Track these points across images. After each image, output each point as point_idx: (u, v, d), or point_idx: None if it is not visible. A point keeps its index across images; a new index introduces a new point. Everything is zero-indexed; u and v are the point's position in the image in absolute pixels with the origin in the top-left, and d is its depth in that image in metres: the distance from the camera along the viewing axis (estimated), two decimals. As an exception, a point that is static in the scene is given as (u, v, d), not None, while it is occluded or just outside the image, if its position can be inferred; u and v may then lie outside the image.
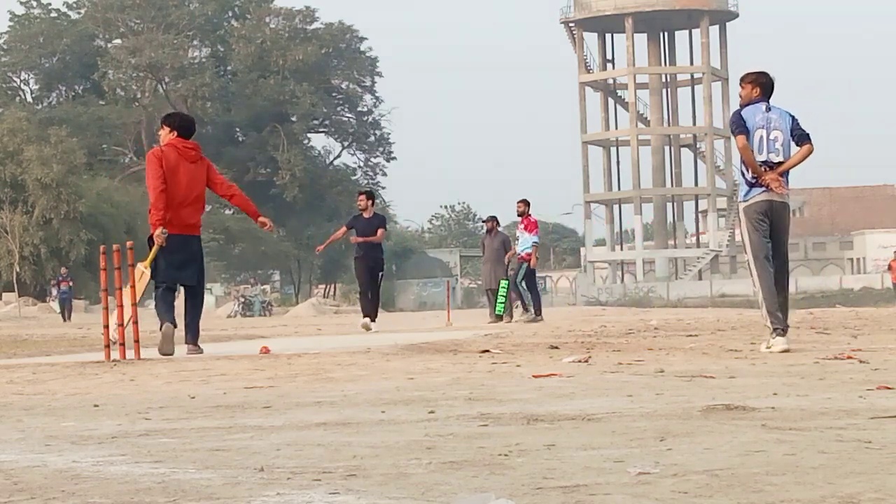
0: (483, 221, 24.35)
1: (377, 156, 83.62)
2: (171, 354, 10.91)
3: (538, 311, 22.49)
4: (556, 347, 10.77)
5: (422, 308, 68.33)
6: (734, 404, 5.31)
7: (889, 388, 6.01)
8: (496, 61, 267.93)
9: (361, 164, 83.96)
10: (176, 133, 11.30)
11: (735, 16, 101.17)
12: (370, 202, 18.88)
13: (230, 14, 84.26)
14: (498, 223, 23.79)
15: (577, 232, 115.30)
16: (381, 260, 18.86)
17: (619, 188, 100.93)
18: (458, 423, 5.02)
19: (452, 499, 3.24)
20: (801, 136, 9.78)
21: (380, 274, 18.85)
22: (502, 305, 22.55)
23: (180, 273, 11.45)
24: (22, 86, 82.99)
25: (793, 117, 9.86)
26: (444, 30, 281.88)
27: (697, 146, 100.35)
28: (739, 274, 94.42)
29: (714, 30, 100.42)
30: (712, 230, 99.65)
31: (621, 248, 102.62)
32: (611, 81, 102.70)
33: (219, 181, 11.59)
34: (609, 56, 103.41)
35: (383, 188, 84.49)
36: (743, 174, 9.83)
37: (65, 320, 39.62)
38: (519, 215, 22.66)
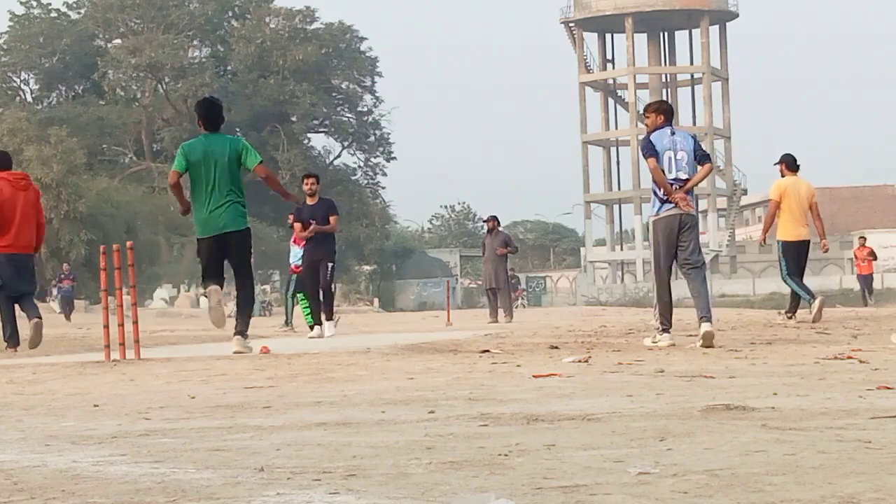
0: (484, 221, 24.37)
1: (377, 156, 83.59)
2: None
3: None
4: (556, 347, 10.77)
5: (422, 308, 68.33)
6: (734, 404, 5.31)
7: (889, 388, 6.01)
8: (496, 61, 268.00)
9: (361, 164, 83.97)
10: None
11: (735, 16, 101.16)
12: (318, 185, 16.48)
13: (230, 14, 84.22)
14: (498, 222, 23.84)
15: (577, 232, 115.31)
16: (331, 251, 16.07)
17: (619, 188, 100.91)
18: (458, 423, 5.02)
19: (452, 499, 3.24)
20: (702, 157, 11.11)
21: (329, 266, 15.94)
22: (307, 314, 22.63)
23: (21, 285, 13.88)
24: (22, 86, 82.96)
25: (694, 138, 11.26)
26: (444, 30, 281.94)
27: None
28: (739, 274, 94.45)
29: (714, 30, 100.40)
30: (712, 230, 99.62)
31: (621, 248, 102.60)
32: (611, 81, 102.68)
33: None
34: (609, 56, 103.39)
35: (383, 188, 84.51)
36: (654, 192, 10.97)
37: (68, 319, 38.67)
38: (290, 227, 22.71)
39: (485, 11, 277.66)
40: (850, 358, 8.29)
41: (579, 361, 8.72)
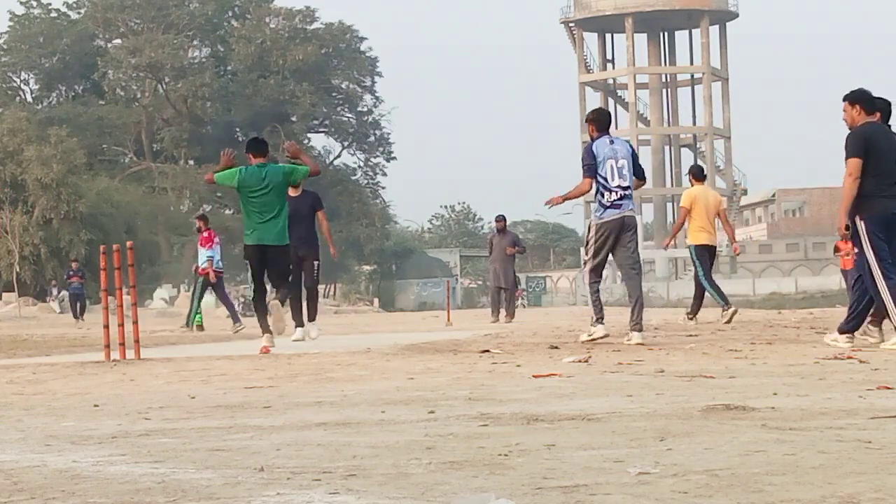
0: (496, 221, 24.38)
1: (377, 156, 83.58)
2: None
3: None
4: (556, 347, 10.77)
5: (422, 308, 68.34)
6: (734, 404, 5.31)
7: (889, 388, 6.01)
8: (496, 61, 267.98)
9: (361, 164, 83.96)
10: None
11: (735, 16, 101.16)
12: None
13: (230, 14, 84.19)
14: (506, 222, 23.92)
15: (577, 232, 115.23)
16: (316, 249, 14.89)
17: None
18: (458, 423, 5.02)
19: (452, 499, 3.24)
20: (640, 172, 11.76)
21: (315, 264, 14.89)
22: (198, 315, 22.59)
23: None
24: (22, 86, 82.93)
25: (631, 147, 11.96)
26: (444, 30, 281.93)
27: (697, 146, 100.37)
28: (739, 274, 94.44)
29: (714, 30, 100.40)
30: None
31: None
32: (611, 81, 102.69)
33: None
34: (609, 56, 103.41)
35: (383, 188, 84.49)
36: (599, 198, 11.51)
37: (76, 318, 35.99)
38: (197, 230, 22.59)
39: (485, 11, 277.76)
40: (850, 358, 8.29)
41: (579, 361, 8.72)
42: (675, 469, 3.61)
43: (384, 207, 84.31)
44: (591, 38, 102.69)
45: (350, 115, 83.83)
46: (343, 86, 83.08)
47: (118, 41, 79.91)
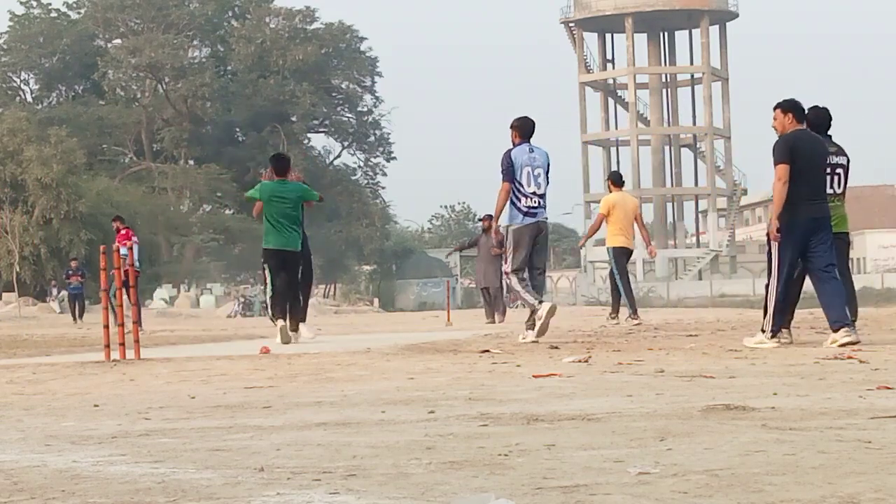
0: (480, 220, 24.31)
1: (377, 156, 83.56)
2: None
3: None
4: (556, 347, 10.77)
5: (422, 308, 68.32)
6: (734, 404, 5.31)
7: (889, 388, 6.01)
8: (496, 61, 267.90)
9: (361, 164, 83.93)
10: None
11: (735, 16, 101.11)
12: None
13: (230, 14, 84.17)
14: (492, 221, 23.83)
15: (577, 232, 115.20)
16: (305, 244, 14.15)
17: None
18: (458, 423, 5.02)
19: (452, 499, 3.24)
20: (547, 180, 12.33)
21: (310, 260, 14.64)
22: None
23: None
24: (22, 86, 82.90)
25: (549, 158, 12.36)
26: (444, 30, 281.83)
27: (697, 146, 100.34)
28: (739, 274, 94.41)
29: (714, 30, 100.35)
30: (712, 230, 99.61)
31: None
32: (611, 81, 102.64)
33: None
34: (609, 56, 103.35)
35: (383, 188, 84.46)
36: (514, 204, 12.08)
37: (75, 320, 34.91)
38: (116, 231, 22.41)
39: (485, 11, 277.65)
40: (850, 358, 8.29)
41: (579, 361, 8.72)
42: (675, 469, 3.61)
43: (384, 207, 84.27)
44: (591, 38, 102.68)
45: (350, 115, 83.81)
46: (343, 86, 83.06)
47: (118, 41, 79.89)
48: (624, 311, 17.85)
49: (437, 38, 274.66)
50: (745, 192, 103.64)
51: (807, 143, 10.07)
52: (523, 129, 12.23)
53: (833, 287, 9.97)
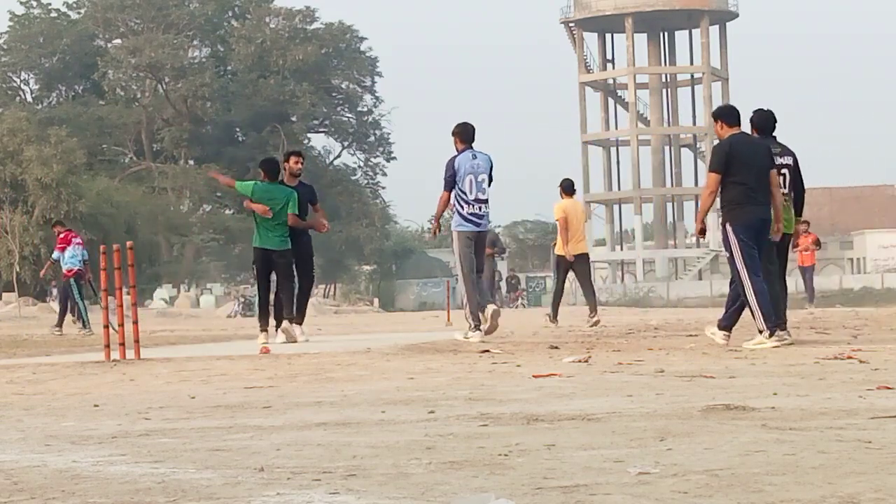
0: None
1: (377, 156, 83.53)
2: None
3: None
4: (556, 347, 10.77)
5: (422, 308, 68.31)
6: (734, 404, 5.31)
7: (889, 388, 6.01)
8: (496, 61, 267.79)
9: (361, 164, 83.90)
10: None
11: (735, 16, 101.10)
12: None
13: (230, 14, 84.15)
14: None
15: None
16: (308, 244, 14.25)
17: (619, 188, 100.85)
18: (458, 423, 5.02)
19: (452, 499, 3.24)
20: (490, 182, 12.75)
21: (312, 260, 14.40)
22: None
23: None
24: (22, 86, 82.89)
25: (491, 162, 12.73)
26: (444, 30, 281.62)
27: (697, 146, 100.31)
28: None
29: (714, 30, 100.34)
30: (712, 230, 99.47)
31: (621, 248, 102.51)
32: (611, 81, 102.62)
33: None
34: (609, 56, 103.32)
35: (383, 188, 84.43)
36: (458, 210, 12.61)
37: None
38: (56, 235, 22.57)
39: (485, 11, 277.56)
40: (850, 358, 8.29)
41: (579, 361, 8.72)
42: (675, 469, 3.61)
43: (384, 207, 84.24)
44: (591, 38, 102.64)
45: (350, 115, 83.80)
46: (343, 86, 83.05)
47: (118, 41, 79.88)
48: (585, 314, 18.66)
49: (437, 38, 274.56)
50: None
51: (742, 147, 10.30)
52: (464, 135, 12.61)
53: (763, 288, 10.25)
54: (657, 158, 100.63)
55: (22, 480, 3.77)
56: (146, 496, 3.41)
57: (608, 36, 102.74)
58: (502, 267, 67.58)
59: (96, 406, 6.35)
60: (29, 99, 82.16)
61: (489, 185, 12.69)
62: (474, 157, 12.53)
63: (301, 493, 3.38)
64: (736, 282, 10.38)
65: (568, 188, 18.45)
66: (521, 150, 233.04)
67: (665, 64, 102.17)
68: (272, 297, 14.17)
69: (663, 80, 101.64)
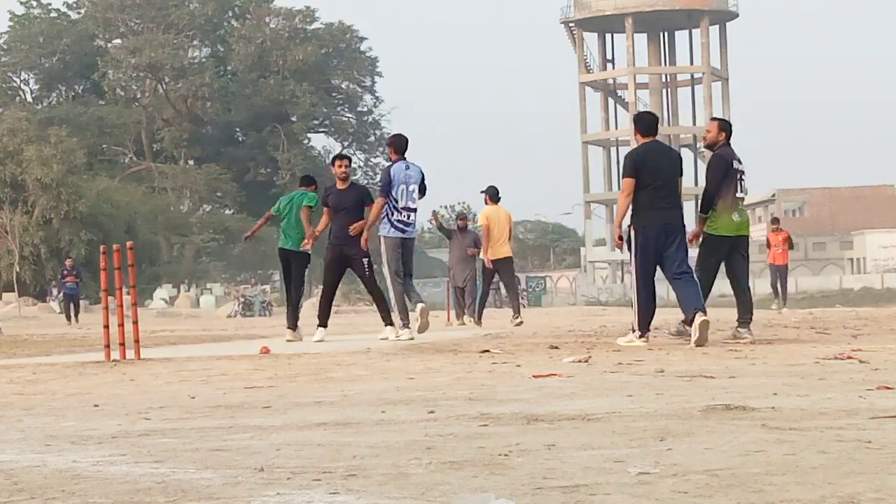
0: (458, 219, 24.21)
1: (377, 156, 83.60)
2: None
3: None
4: (556, 347, 10.77)
5: (422, 308, 68.27)
6: (734, 404, 5.31)
7: (889, 388, 6.01)
8: (496, 61, 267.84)
9: (361, 164, 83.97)
10: None
11: (735, 16, 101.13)
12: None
13: (230, 14, 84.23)
14: (468, 221, 23.72)
15: (577, 232, 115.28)
16: (364, 245, 13.76)
17: (618, 188, 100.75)
18: (458, 423, 5.02)
19: (452, 499, 3.24)
20: (423, 190, 13.49)
21: (365, 262, 13.72)
22: None
23: None
24: (22, 86, 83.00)
25: (421, 171, 13.42)
26: (444, 30, 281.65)
27: (697, 146, 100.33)
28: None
29: (714, 30, 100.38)
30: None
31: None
32: (611, 81, 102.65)
33: None
34: (609, 56, 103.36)
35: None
36: (387, 216, 13.21)
37: (69, 320, 34.23)
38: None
39: (485, 11, 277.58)
40: (850, 358, 8.29)
41: (579, 361, 8.72)
42: (675, 469, 3.61)
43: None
44: (591, 38, 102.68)
45: (350, 115, 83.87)
46: (343, 86, 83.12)
47: (118, 41, 79.94)
48: (514, 315, 19.26)
49: (437, 38, 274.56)
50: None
51: (652, 155, 10.97)
52: (398, 146, 13.37)
53: (688, 287, 10.92)
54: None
55: (22, 480, 3.77)
56: (146, 496, 3.41)
57: (608, 36, 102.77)
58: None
59: (96, 406, 6.35)
60: (29, 99, 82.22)
61: (421, 197, 13.49)
62: (407, 167, 13.26)
63: (301, 493, 3.38)
64: (631, 281, 11.27)
65: (493, 195, 19.22)
66: (521, 150, 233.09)
67: (665, 64, 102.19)
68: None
69: (663, 80, 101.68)
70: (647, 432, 4.49)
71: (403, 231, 13.37)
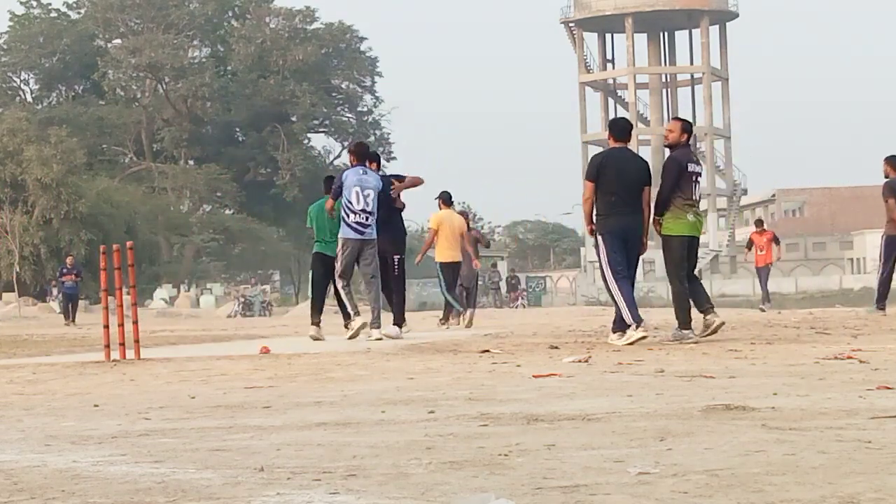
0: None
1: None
2: None
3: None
4: (556, 347, 10.77)
5: (422, 308, 68.31)
6: (734, 404, 5.31)
7: (889, 388, 6.01)
8: (496, 61, 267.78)
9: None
10: None
11: (735, 16, 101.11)
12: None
13: (230, 14, 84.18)
14: (468, 218, 23.71)
15: (577, 232, 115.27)
16: (400, 241, 14.61)
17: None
18: (458, 423, 5.02)
19: (452, 499, 3.24)
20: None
21: (396, 258, 14.43)
22: None
23: None
24: (22, 86, 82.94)
25: (383, 183, 13.80)
26: (444, 30, 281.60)
27: (697, 146, 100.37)
28: (739, 274, 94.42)
29: (714, 30, 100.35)
30: (712, 230, 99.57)
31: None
32: (611, 81, 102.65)
33: None
34: (609, 56, 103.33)
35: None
36: (344, 219, 13.45)
37: (67, 320, 34.04)
38: None
39: (485, 11, 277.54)
40: (850, 358, 8.29)
41: (579, 361, 8.72)
42: (675, 469, 3.61)
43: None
44: (591, 38, 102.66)
45: (350, 115, 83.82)
46: (343, 86, 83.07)
47: (118, 41, 79.90)
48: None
49: (437, 38, 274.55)
50: (744, 192, 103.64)
51: (614, 161, 11.23)
52: (358, 153, 13.81)
53: (628, 289, 11.08)
54: (657, 158, 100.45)
55: (22, 480, 3.77)
56: (146, 496, 3.41)
57: (608, 36, 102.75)
58: (502, 267, 67.69)
59: (96, 406, 6.35)
60: (29, 99, 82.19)
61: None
62: (365, 173, 13.54)
63: (301, 493, 3.38)
64: (605, 287, 11.35)
65: (446, 199, 19.42)
66: (521, 150, 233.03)
67: (665, 64, 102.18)
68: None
69: (663, 80, 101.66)
70: (647, 432, 4.49)
71: (361, 232, 13.47)
